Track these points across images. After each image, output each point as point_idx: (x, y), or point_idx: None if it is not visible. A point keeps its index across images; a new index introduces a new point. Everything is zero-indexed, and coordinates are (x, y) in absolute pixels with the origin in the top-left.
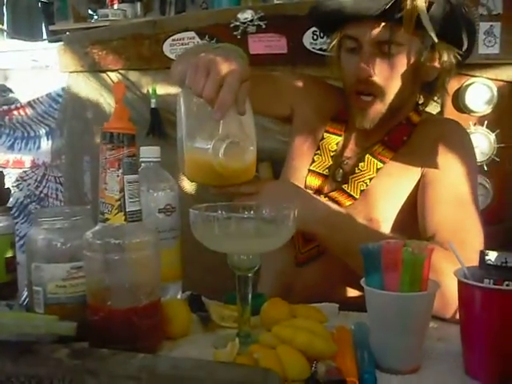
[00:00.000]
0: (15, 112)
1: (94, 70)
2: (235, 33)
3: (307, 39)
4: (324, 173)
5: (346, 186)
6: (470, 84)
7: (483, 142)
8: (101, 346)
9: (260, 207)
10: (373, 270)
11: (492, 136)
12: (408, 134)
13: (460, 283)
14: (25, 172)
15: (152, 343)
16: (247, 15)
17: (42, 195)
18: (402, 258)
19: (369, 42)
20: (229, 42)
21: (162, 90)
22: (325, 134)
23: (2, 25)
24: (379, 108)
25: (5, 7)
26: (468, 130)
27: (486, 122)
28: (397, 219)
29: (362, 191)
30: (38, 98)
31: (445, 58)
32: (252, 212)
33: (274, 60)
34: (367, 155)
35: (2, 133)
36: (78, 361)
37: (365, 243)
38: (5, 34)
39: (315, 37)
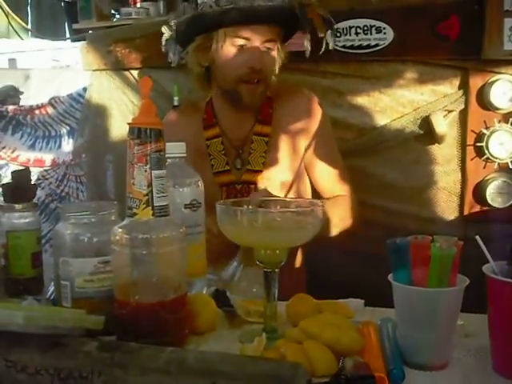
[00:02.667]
0: (37, 111)
1: (117, 68)
2: None
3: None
4: (225, 169)
5: (249, 166)
6: (494, 81)
7: (508, 139)
8: (128, 340)
9: (288, 202)
10: (400, 266)
11: None
12: (271, 107)
13: (489, 279)
14: (46, 171)
15: (179, 338)
16: None
17: (64, 194)
18: (430, 253)
19: (260, 41)
20: None
21: (185, 87)
22: (207, 141)
23: (27, 24)
24: (262, 89)
25: (29, 7)
26: (492, 128)
27: (510, 120)
28: (297, 176)
29: (263, 163)
30: (59, 98)
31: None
32: (279, 206)
33: (297, 57)
34: (253, 136)
35: (23, 132)
36: (107, 354)
37: (392, 238)
38: (29, 33)
39: (338, 34)
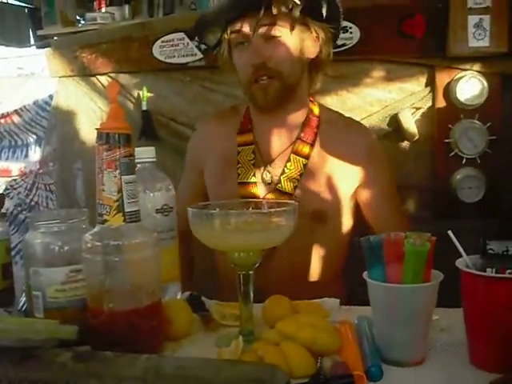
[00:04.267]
0: (2, 120)
1: (84, 74)
2: None
3: None
4: (252, 180)
5: (279, 185)
6: (460, 77)
7: (475, 134)
8: (103, 349)
9: (259, 203)
10: (375, 263)
11: (484, 128)
12: (317, 126)
13: (463, 273)
14: (14, 180)
15: (154, 344)
16: None
17: (33, 203)
18: (404, 250)
19: (257, 32)
20: None
21: (153, 92)
22: (239, 148)
23: None
24: (277, 85)
25: None
26: (460, 124)
27: (477, 115)
28: (334, 208)
29: (295, 187)
30: (24, 106)
31: (321, 33)
32: (251, 208)
33: None
34: (292, 155)
35: None
36: (81, 364)
37: (366, 236)
38: None
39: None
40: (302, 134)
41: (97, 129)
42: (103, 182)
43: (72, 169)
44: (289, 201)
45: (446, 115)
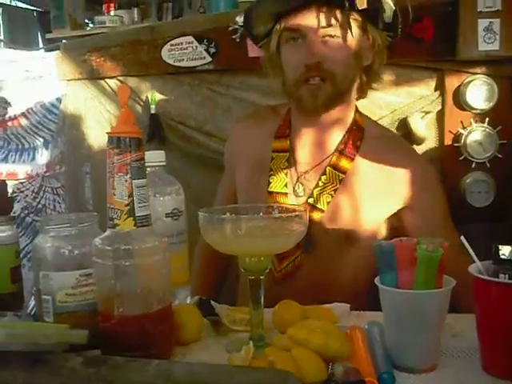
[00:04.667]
0: (9, 123)
1: (93, 77)
2: (234, 36)
3: None
4: (283, 191)
5: (311, 199)
6: (470, 81)
7: (485, 138)
8: (113, 354)
9: (270, 207)
10: (387, 269)
11: (493, 133)
12: (360, 139)
13: (475, 279)
14: (21, 183)
15: (165, 349)
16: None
17: (40, 206)
18: (416, 255)
19: (312, 30)
20: (227, 46)
21: (162, 95)
22: (273, 154)
23: None
24: (328, 89)
25: (0, 17)
26: (469, 128)
27: (487, 119)
28: (369, 229)
29: (328, 203)
30: (31, 109)
31: (378, 40)
32: (262, 213)
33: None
34: (328, 168)
35: None
36: (92, 369)
37: (379, 242)
38: (1, 43)
39: None
40: (343, 147)
41: (107, 133)
42: (114, 186)
43: (80, 172)
44: (299, 206)
45: (455, 119)
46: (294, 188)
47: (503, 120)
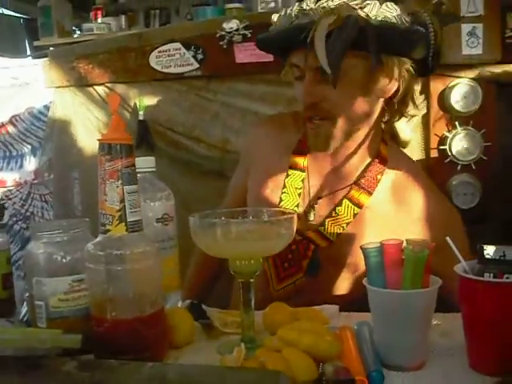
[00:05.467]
0: None
1: (81, 84)
2: (221, 43)
3: None
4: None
5: (322, 228)
6: (454, 85)
7: (470, 141)
8: (106, 358)
9: (259, 211)
10: (374, 270)
11: (478, 135)
12: (381, 172)
13: (461, 278)
14: (9, 191)
15: (158, 352)
16: (232, 25)
17: (28, 214)
18: (403, 256)
19: (309, 68)
20: (215, 52)
21: (150, 102)
22: (289, 170)
23: None
24: (331, 130)
25: None
26: (454, 131)
27: (471, 122)
28: None
29: (338, 234)
30: (19, 116)
31: (395, 72)
32: (251, 216)
33: (261, 68)
34: (345, 200)
35: None
36: (86, 373)
37: (365, 244)
38: None
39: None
40: (362, 181)
41: (99, 140)
42: (105, 192)
43: (69, 178)
44: (288, 210)
45: (440, 122)
46: (305, 211)
47: (487, 122)
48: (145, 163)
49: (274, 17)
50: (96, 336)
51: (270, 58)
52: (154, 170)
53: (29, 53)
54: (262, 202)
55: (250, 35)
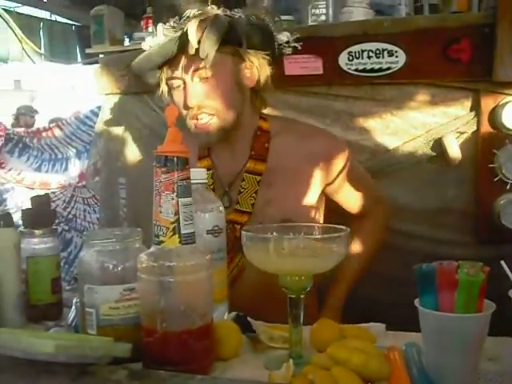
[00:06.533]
0: (44, 133)
1: (130, 92)
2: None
3: (343, 60)
4: None
5: (238, 205)
6: (506, 103)
7: None
8: (155, 368)
9: (312, 228)
10: (427, 291)
11: None
12: (267, 141)
13: None
14: (53, 193)
15: (205, 364)
16: (283, 37)
17: (71, 216)
18: (456, 278)
19: (187, 72)
20: None
21: None
22: None
23: (39, 48)
24: (217, 124)
25: (41, 31)
26: (505, 148)
27: None
28: (301, 214)
29: (252, 204)
30: (65, 120)
31: (256, 62)
32: (303, 233)
33: (310, 81)
34: (245, 174)
35: (30, 154)
36: (136, 382)
37: (419, 264)
38: (42, 57)
39: (350, 57)
40: (253, 152)
41: (155, 152)
42: (160, 203)
43: (114, 184)
44: (341, 227)
45: (490, 140)
46: (221, 201)
47: None
48: (196, 175)
49: (145, 45)
50: (145, 346)
51: (319, 70)
52: (205, 181)
53: (80, 59)
54: None
55: (300, 48)
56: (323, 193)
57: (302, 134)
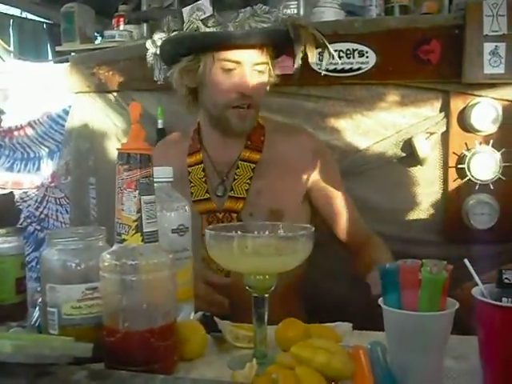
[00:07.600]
0: (15, 132)
1: (100, 90)
2: None
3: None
4: (205, 197)
5: (232, 192)
6: (475, 104)
7: (489, 160)
8: (117, 368)
9: (276, 227)
10: (390, 290)
11: (497, 155)
12: (263, 135)
13: (479, 302)
14: (25, 193)
15: (168, 364)
16: None
17: (43, 216)
18: (420, 277)
19: (250, 64)
20: None
21: (168, 110)
22: (189, 168)
23: (9, 46)
24: (254, 115)
25: (10, 29)
26: (473, 149)
27: (491, 141)
28: (289, 206)
29: (246, 190)
30: (38, 119)
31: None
32: (268, 231)
33: (281, 80)
34: (239, 162)
35: (1, 154)
36: (96, 382)
37: (382, 264)
38: (11, 54)
39: (321, 57)
40: (249, 143)
41: (118, 149)
42: (123, 201)
43: (85, 183)
44: (305, 225)
45: (459, 141)
46: (215, 191)
47: (507, 142)
48: (162, 173)
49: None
50: (107, 345)
51: (289, 70)
52: (171, 180)
53: (50, 57)
54: None
55: None
56: (310, 190)
57: (291, 132)
